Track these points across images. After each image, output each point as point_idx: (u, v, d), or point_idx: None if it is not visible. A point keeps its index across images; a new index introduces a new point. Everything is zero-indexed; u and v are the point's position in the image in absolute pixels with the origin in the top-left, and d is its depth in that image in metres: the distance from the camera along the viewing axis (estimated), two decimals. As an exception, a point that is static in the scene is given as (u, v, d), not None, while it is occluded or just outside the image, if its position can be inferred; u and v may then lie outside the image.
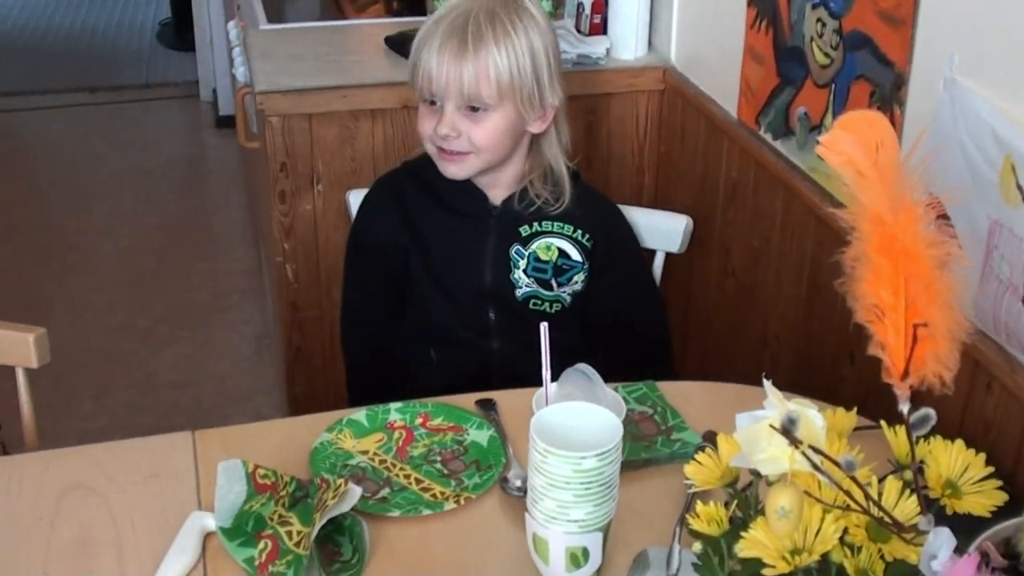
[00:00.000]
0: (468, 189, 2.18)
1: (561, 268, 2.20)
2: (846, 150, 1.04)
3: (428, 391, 2.06)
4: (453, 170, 2.14)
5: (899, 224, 1.04)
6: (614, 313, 2.28)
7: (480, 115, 2.07)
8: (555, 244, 2.19)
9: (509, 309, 2.21)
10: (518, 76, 2.05)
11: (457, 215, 2.21)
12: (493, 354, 2.24)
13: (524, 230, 2.19)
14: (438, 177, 2.18)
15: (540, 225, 2.20)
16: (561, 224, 2.20)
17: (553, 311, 2.21)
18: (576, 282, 2.21)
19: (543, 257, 2.19)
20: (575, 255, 2.20)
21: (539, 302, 2.20)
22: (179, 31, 7.02)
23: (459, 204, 2.21)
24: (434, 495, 1.68)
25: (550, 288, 2.20)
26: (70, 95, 6.52)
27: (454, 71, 2.03)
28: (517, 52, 2.05)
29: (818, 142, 1.05)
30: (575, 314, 2.24)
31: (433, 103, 2.10)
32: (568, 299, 2.22)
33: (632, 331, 2.32)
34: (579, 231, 2.21)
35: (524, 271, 2.19)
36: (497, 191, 2.20)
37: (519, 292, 2.20)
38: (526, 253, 2.19)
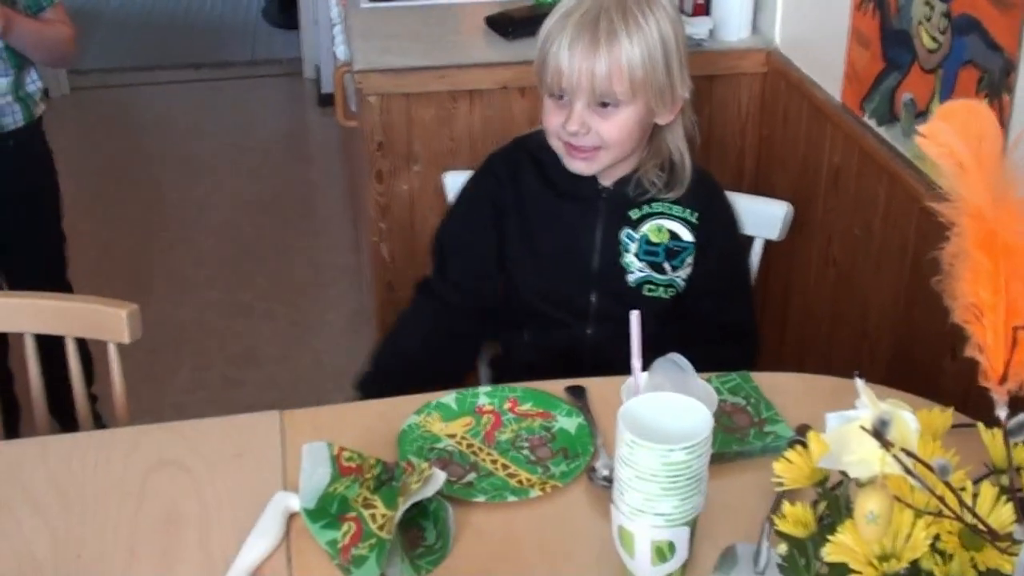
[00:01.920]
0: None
1: (673, 250, 2.15)
2: (947, 141, 0.99)
3: (516, 370, 2.04)
4: (581, 166, 2.09)
5: (1000, 220, 1.00)
6: (706, 294, 2.21)
7: (610, 111, 2.02)
8: (666, 226, 2.15)
9: (616, 295, 2.16)
10: (651, 71, 1.99)
11: (565, 197, 2.17)
12: (586, 339, 2.20)
13: (634, 213, 2.15)
14: (549, 157, 2.14)
15: (650, 207, 2.15)
16: (670, 204, 2.15)
17: (668, 296, 2.16)
18: (688, 264, 2.16)
19: (654, 239, 2.14)
20: (686, 235, 2.15)
21: (653, 287, 2.16)
22: (283, 9, 7.06)
23: (568, 186, 2.16)
24: (520, 481, 1.66)
25: (663, 272, 2.15)
26: (176, 71, 6.58)
27: (586, 67, 1.97)
28: (649, 45, 1.98)
29: (918, 131, 1.02)
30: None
31: (561, 97, 2.04)
32: (682, 284, 2.17)
33: (717, 317, 2.24)
34: (688, 209, 2.15)
35: (636, 255, 2.15)
36: (609, 178, 2.16)
37: (631, 277, 2.15)
38: (636, 236, 2.14)
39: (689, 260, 2.16)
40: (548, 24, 2.05)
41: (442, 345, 2.22)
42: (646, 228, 2.14)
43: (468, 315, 2.24)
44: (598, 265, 2.16)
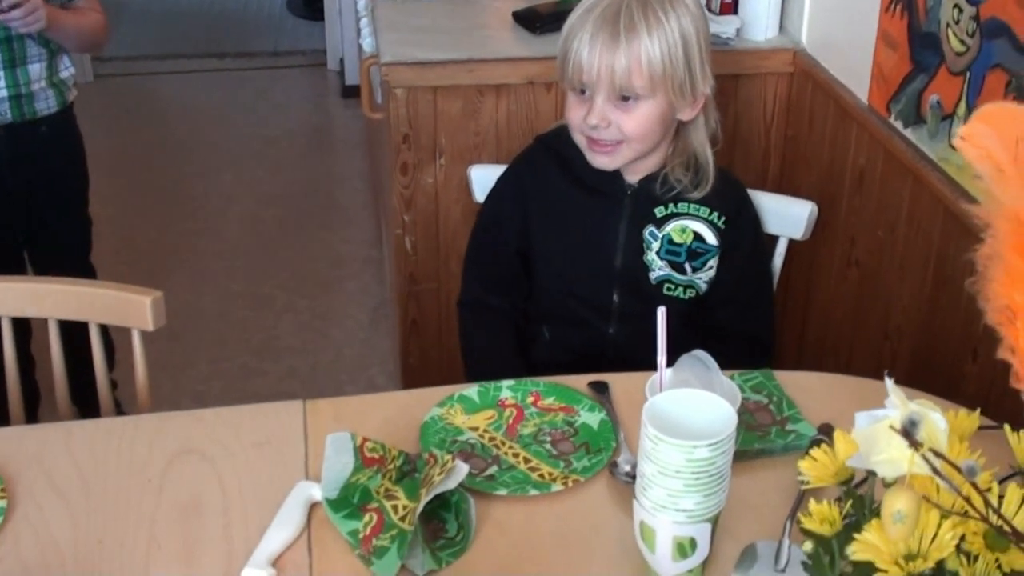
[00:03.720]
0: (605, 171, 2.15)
1: (695, 252, 2.16)
2: (985, 144, 0.99)
3: (536, 368, 2.04)
4: (603, 161, 2.10)
5: (1037, 223, 1.00)
6: (728, 302, 2.22)
7: (631, 104, 2.03)
8: (690, 227, 2.15)
9: (638, 293, 2.17)
10: (670, 66, 2.01)
11: (591, 193, 2.18)
12: (608, 338, 2.21)
13: (659, 211, 2.15)
14: (574, 152, 2.15)
15: (676, 206, 2.15)
16: (697, 206, 2.16)
17: (687, 297, 2.17)
18: (711, 267, 2.17)
19: (677, 239, 2.15)
20: (710, 238, 2.16)
21: (672, 287, 2.16)
22: (309, 0, 7.07)
23: (594, 182, 2.17)
24: (542, 475, 1.66)
25: (683, 272, 2.16)
26: (200, 60, 6.60)
27: (606, 61, 1.99)
28: (670, 41, 2.00)
29: (953, 138, 1.01)
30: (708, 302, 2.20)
31: (583, 92, 2.06)
32: (703, 286, 2.17)
33: (734, 326, 2.24)
34: (715, 212, 2.16)
35: (657, 253, 2.15)
36: (635, 174, 2.16)
37: (653, 275, 2.16)
38: (660, 235, 2.15)
39: (711, 263, 2.16)
40: (571, 19, 2.07)
41: (517, 340, 2.28)
42: (670, 228, 2.14)
43: (512, 312, 2.29)
44: (621, 262, 2.16)
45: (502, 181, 2.30)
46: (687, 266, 2.15)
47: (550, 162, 2.22)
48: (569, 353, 2.20)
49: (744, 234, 2.22)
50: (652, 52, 1.99)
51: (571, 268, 2.20)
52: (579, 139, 2.11)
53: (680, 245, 2.15)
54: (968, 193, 2.03)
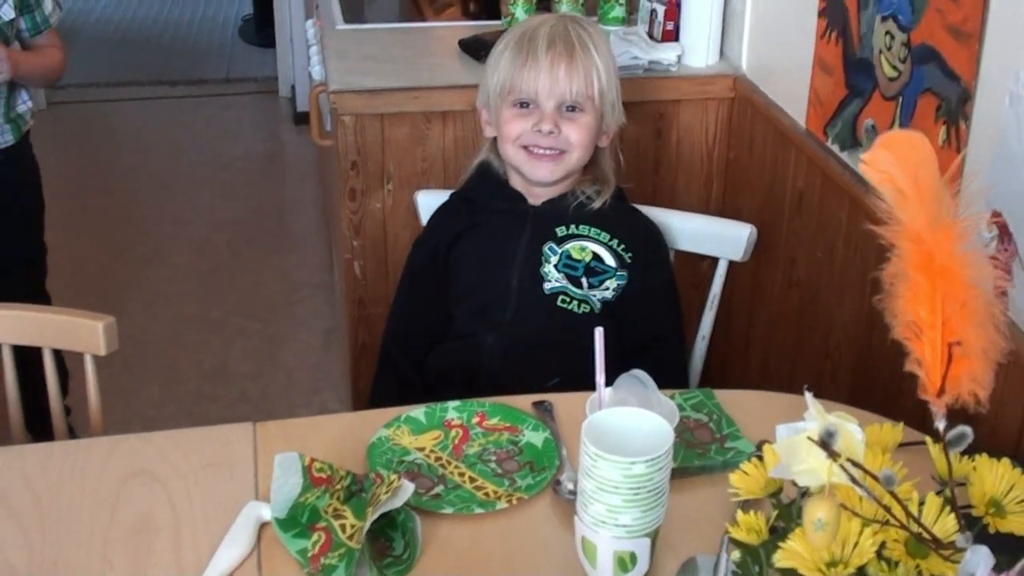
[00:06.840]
0: (508, 195, 2.24)
1: (593, 269, 2.21)
2: (887, 168, 1.05)
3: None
4: (546, 170, 2.18)
5: (937, 243, 1.05)
6: (641, 334, 2.26)
7: (576, 115, 2.14)
8: (589, 247, 2.21)
9: (531, 305, 2.21)
10: (609, 81, 2.15)
11: (494, 214, 2.26)
12: (484, 348, 2.23)
13: (560, 231, 2.22)
14: (481, 191, 2.27)
15: (577, 228, 2.22)
16: (598, 231, 2.22)
17: (580, 312, 2.20)
18: (607, 288, 2.21)
19: (576, 256, 2.21)
20: (609, 260, 2.21)
21: (567, 299, 2.20)
22: (260, 27, 7.10)
23: (498, 205, 2.26)
24: (487, 494, 1.69)
25: (580, 286, 2.20)
26: (152, 88, 6.61)
27: (563, 71, 2.11)
28: (608, 59, 2.15)
29: (860, 159, 1.06)
30: (601, 322, 2.23)
31: (525, 105, 2.14)
32: (598, 304, 2.21)
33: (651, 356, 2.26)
34: (615, 240, 2.22)
35: (555, 266, 2.20)
36: (539, 198, 2.25)
37: (547, 286, 2.20)
38: (559, 251, 2.21)
39: (608, 284, 2.21)
40: (508, 44, 2.17)
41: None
42: (569, 246, 2.21)
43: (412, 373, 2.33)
44: (518, 275, 2.22)
45: (419, 237, 2.39)
46: (584, 280, 2.20)
47: (461, 207, 2.32)
48: (452, 364, 2.26)
49: (660, 276, 2.29)
50: (599, 66, 2.13)
51: (475, 287, 2.26)
52: (516, 153, 2.18)
53: (578, 261, 2.21)
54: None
